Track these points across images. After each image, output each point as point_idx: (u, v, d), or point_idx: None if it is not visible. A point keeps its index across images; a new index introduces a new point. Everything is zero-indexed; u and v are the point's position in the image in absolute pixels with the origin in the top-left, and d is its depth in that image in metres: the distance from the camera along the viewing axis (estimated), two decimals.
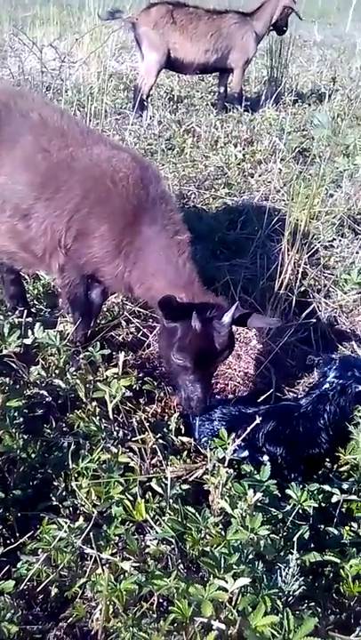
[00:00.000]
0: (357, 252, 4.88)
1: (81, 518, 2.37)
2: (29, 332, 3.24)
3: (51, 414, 2.99)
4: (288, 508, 2.36)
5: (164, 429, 2.98)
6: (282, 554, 2.15)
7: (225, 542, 2.04)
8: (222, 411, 3.07)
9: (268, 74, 9.44)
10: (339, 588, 2.27)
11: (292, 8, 8.70)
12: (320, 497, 2.47)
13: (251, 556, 2.01)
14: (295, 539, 2.21)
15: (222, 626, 1.77)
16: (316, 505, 2.38)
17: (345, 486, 2.63)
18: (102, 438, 2.71)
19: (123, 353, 3.09)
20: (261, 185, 6.16)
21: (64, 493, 2.59)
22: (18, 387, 3.00)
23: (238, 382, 3.72)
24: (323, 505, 2.50)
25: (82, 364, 3.16)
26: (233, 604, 1.86)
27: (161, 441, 2.82)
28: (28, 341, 3.22)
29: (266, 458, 2.85)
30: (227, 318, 2.78)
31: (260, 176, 6.40)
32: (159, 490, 2.42)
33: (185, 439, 3.01)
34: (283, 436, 2.93)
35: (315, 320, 4.15)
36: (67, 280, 3.32)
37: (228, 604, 1.85)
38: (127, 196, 3.10)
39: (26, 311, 3.60)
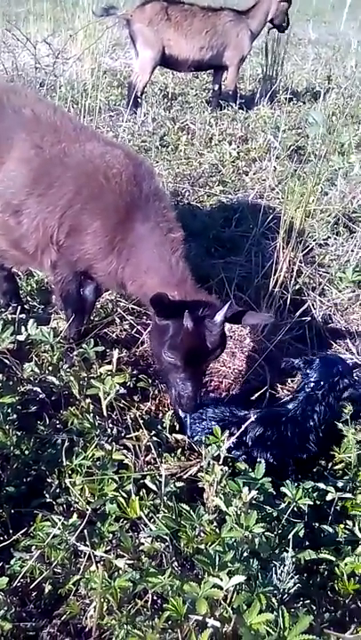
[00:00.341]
0: (352, 251, 4.87)
1: (75, 515, 2.35)
2: (23, 328, 3.23)
3: (44, 411, 2.98)
4: (283, 505, 2.35)
5: (159, 427, 2.98)
6: (277, 551, 2.14)
7: (220, 540, 2.04)
8: (215, 410, 3.06)
9: (262, 72, 9.43)
10: (334, 585, 2.27)
11: (288, 1, 8.66)
12: (315, 495, 2.47)
13: (246, 554, 2.01)
14: (290, 536, 2.21)
15: (217, 623, 1.76)
16: (311, 503, 2.37)
17: (340, 484, 2.63)
18: (96, 435, 2.70)
19: (117, 350, 3.08)
20: (256, 183, 6.16)
21: (58, 490, 2.58)
22: (11, 383, 2.99)
23: (233, 380, 3.72)
24: (318, 503, 2.49)
25: (75, 360, 3.15)
26: (228, 601, 1.85)
27: (155, 438, 2.82)
28: (21, 338, 3.21)
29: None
30: (219, 317, 2.77)
31: (254, 174, 6.39)
32: (153, 487, 2.40)
33: (179, 436, 3.00)
34: (272, 442, 2.92)
35: (309, 318, 4.15)
36: (59, 277, 3.30)
37: (222, 602, 1.85)
38: (120, 192, 3.08)
39: (19, 308, 3.59)
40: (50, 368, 3.16)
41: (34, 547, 2.20)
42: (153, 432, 2.86)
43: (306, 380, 3.09)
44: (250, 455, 2.86)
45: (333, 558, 2.24)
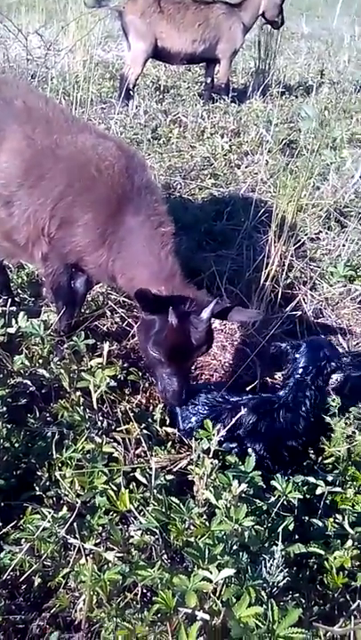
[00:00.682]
0: (343, 245, 4.88)
1: (64, 508, 2.35)
2: (13, 321, 3.22)
3: (34, 404, 2.98)
4: (273, 499, 2.36)
5: (149, 420, 2.98)
6: (266, 545, 2.15)
7: (209, 533, 2.04)
8: (207, 396, 3.05)
9: (255, 65, 9.41)
10: (323, 579, 2.28)
11: None
12: (305, 489, 2.48)
13: (235, 547, 2.01)
14: (280, 530, 2.22)
15: (206, 616, 1.76)
16: (301, 496, 2.38)
17: (329, 478, 2.64)
18: (86, 428, 2.69)
19: (107, 343, 3.09)
20: (248, 176, 6.15)
21: (48, 483, 2.57)
22: (1, 376, 2.99)
23: (223, 374, 3.71)
24: (307, 497, 2.50)
25: (66, 353, 3.14)
26: (217, 594, 1.86)
27: (145, 431, 2.82)
28: (11, 330, 3.20)
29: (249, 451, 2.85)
30: (205, 314, 2.78)
31: (246, 167, 6.38)
32: (143, 480, 2.41)
33: (169, 430, 3.00)
34: (264, 429, 2.93)
35: (300, 312, 4.16)
36: (50, 269, 3.29)
37: (212, 595, 1.85)
38: (112, 184, 3.07)
39: (10, 300, 3.58)
40: (40, 361, 3.15)
41: (23, 539, 2.19)
42: (143, 425, 2.86)
43: (294, 365, 3.10)
44: (243, 443, 2.87)
45: (323, 552, 2.24)
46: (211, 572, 1.81)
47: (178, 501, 2.24)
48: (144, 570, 1.92)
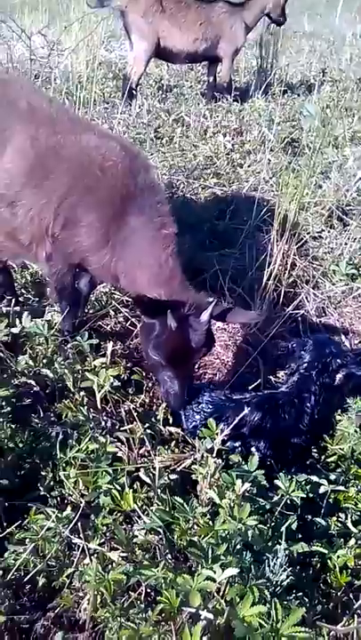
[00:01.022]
0: (346, 244, 4.87)
1: (69, 508, 2.35)
2: (17, 321, 3.23)
3: (39, 404, 2.98)
4: (276, 498, 2.37)
5: (153, 419, 2.98)
6: (270, 544, 2.15)
7: (213, 532, 2.05)
8: (211, 394, 3.06)
9: (257, 64, 9.40)
10: (326, 578, 2.29)
11: None
12: (308, 487, 2.48)
13: (239, 547, 2.02)
14: (283, 529, 2.22)
15: (210, 616, 1.77)
16: (304, 495, 2.38)
17: (332, 477, 2.64)
18: (90, 428, 2.70)
19: (111, 342, 3.09)
20: (251, 175, 6.14)
21: (52, 483, 2.58)
22: (5, 376, 2.99)
23: (226, 373, 3.72)
24: (310, 495, 2.50)
25: (70, 353, 3.15)
26: (221, 594, 1.87)
27: (149, 431, 2.82)
28: (15, 330, 3.21)
29: (253, 449, 2.86)
30: (204, 317, 2.80)
31: (249, 166, 6.37)
32: (147, 480, 2.41)
33: (173, 429, 3.00)
34: (269, 425, 2.93)
35: (303, 311, 4.16)
36: (54, 269, 3.30)
37: (216, 594, 1.86)
38: (116, 184, 3.08)
39: (14, 300, 3.58)
40: (44, 361, 3.15)
41: (28, 540, 2.20)
42: (147, 424, 2.86)
43: (300, 362, 3.11)
44: (247, 441, 2.88)
45: (326, 551, 2.25)
46: (214, 572, 1.82)
47: (182, 501, 2.25)
48: (148, 569, 1.92)
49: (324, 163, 6.05)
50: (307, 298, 4.32)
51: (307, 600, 2.13)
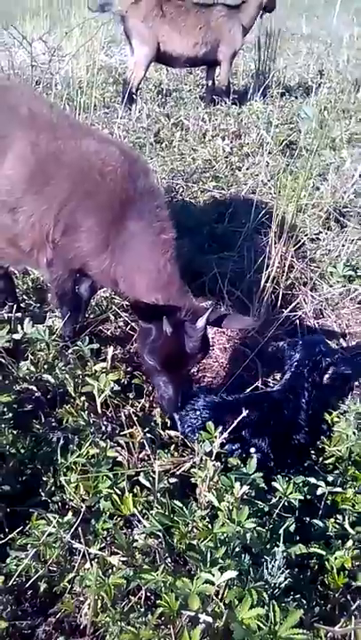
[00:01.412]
0: (343, 246, 4.90)
1: (70, 513, 2.38)
2: (19, 327, 3.25)
3: (40, 409, 3.00)
4: (274, 500, 2.38)
5: (152, 423, 3.00)
6: (268, 546, 2.17)
7: (212, 535, 2.07)
8: (205, 399, 3.08)
9: (255, 67, 9.44)
10: (324, 579, 2.31)
11: None
12: (305, 489, 2.50)
13: (237, 549, 2.04)
14: (281, 531, 2.24)
15: (209, 619, 1.79)
16: (302, 497, 2.40)
17: (330, 479, 2.67)
18: (91, 433, 2.72)
19: (111, 347, 3.10)
20: (249, 178, 6.16)
21: (53, 488, 2.60)
22: (7, 382, 3.01)
23: (224, 376, 3.74)
24: (308, 497, 2.52)
25: (71, 358, 3.17)
26: (220, 597, 1.89)
27: (149, 435, 2.84)
28: (17, 336, 3.22)
29: (252, 450, 2.87)
30: (200, 323, 2.81)
31: (247, 169, 6.40)
32: (147, 484, 2.42)
33: (173, 433, 3.02)
34: (266, 424, 2.96)
35: (301, 313, 4.18)
36: (55, 275, 3.32)
37: (214, 597, 1.88)
38: (115, 189, 3.09)
39: (15, 306, 3.60)
40: (45, 366, 3.17)
41: (29, 545, 2.23)
42: (147, 429, 2.88)
43: (290, 361, 3.15)
44: (246, 442, 2.91)
45: (324, 552, 2.27)
46: (213, 575, 1.84)
47: (181, 504, 2.27)
48: (148, 573, 1.94)
49: (322, 165, 6.08)
50: (304, 300, 4.34)
51: (305, 602, 2.14)
